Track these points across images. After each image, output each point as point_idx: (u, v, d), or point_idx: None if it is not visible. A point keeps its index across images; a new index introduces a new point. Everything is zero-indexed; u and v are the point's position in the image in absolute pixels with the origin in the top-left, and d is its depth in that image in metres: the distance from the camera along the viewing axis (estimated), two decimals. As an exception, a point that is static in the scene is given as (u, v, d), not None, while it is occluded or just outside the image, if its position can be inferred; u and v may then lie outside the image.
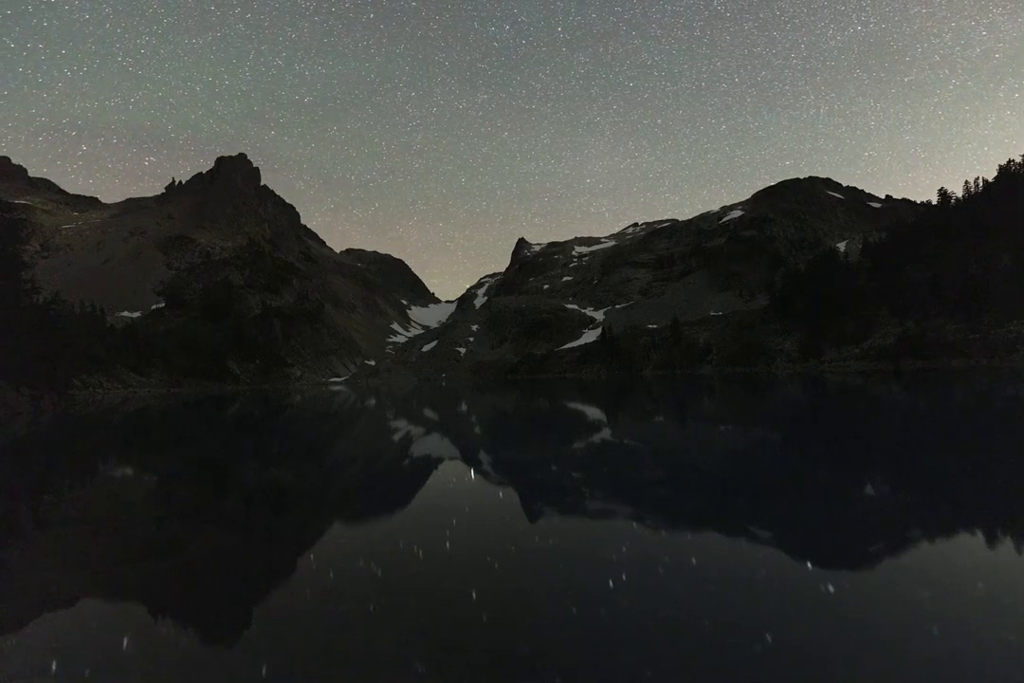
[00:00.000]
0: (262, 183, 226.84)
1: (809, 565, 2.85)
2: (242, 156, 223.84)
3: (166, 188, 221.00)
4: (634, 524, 3.72)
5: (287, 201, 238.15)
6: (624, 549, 3.14)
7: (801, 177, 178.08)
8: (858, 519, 3.67)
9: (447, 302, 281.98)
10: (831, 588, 2.52)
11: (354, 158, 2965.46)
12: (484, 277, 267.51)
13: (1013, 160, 71.83)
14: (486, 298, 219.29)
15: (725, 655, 1.93)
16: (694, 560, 2.91)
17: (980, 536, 3.23)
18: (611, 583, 2.61)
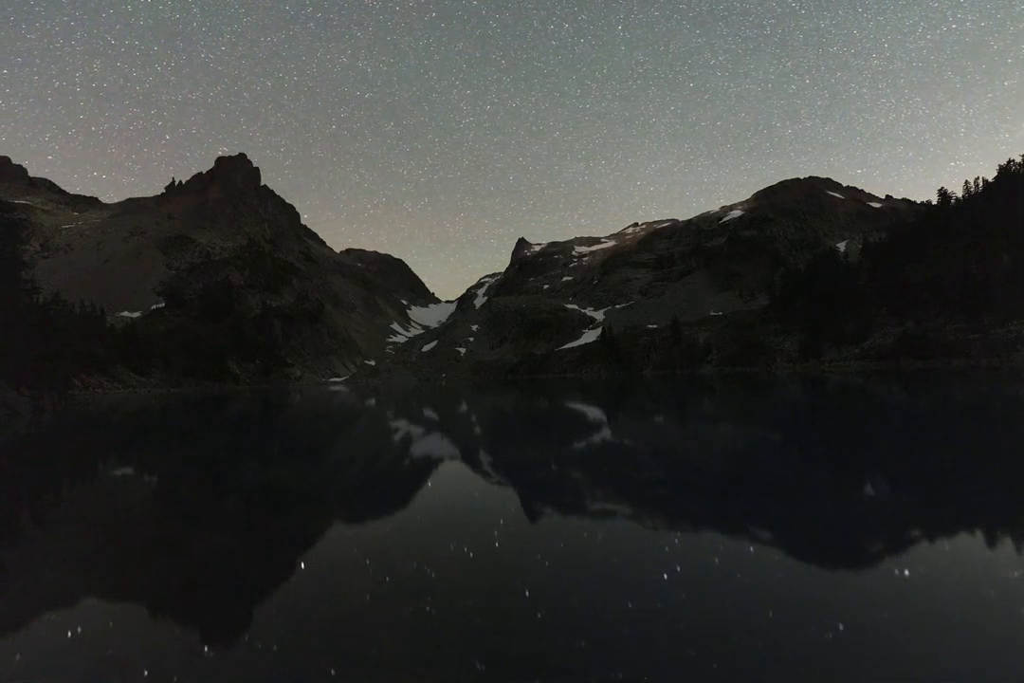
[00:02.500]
0: (262, 183, 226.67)
1: (810, 565, 2.85)
2: (242, 156, 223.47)
3: (166, 188, 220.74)
4: (635, 524, 3.72)
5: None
6: (624, 549, 3.14)
7: (803, 177, 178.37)
8: (858, 519, 3.66)
9: (447, 302, 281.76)
10: (833, 589, 2.52)
11: (407, 153, 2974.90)
12: (484, 277, 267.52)
13: (1013, 160, 71.69)
14: (486, 298, 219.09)
15: (727, 655, 1.92)
16: (695, 560, 2.90)
17: (981, 536, 3.23)
18: (611, 583, 2.61)
